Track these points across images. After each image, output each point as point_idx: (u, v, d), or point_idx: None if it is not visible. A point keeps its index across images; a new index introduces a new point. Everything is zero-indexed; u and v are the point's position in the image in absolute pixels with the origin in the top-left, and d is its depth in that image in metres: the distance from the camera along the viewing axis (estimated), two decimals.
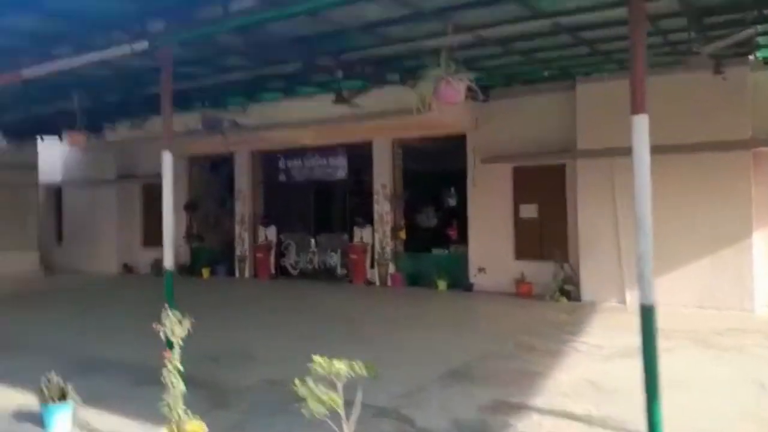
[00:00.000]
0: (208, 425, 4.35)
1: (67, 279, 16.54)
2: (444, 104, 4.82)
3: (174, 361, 4.14)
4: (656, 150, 4.49)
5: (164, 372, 4.17)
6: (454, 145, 12.85)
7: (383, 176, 13.64)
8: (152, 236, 17.53)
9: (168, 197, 5.96)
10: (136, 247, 17.93)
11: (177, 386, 4.09)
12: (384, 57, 8.98)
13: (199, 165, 17.21)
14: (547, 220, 11.78)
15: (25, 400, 5.31)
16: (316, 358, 3.46)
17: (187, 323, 4.27)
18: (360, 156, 14.17)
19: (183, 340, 4.28)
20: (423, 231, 13.34)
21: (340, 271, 14.44)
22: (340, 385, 3.36)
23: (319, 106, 11.58)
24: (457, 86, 6.00)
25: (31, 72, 7.65)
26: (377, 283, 13.60)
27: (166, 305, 4.35)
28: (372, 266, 13.76)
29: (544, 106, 11.61)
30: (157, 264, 16.65)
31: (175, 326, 4.20)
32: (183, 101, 11.62)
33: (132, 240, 17.93)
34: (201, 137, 12.89)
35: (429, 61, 7.63)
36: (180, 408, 4.06)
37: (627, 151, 10.78)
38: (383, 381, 5.73)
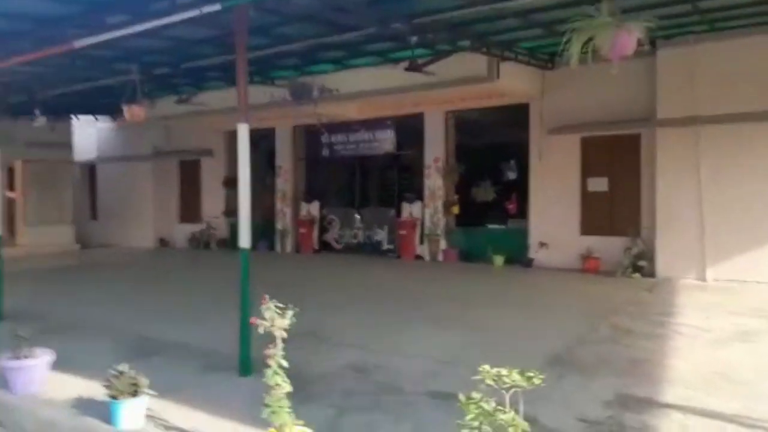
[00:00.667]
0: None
1: (104, 253, 16.28)
2: (619, 57, 4.09)
3: (277, 357, 3.57)
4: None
5: (266, 372, 3.60)
6: (515, 116, 12.10)
7: (435, 149, 12.94)
8: (189, 211, 17.21)
9: (245, 173, 5.39)
10: (172, 222, 17.56)
11: (282, 387, 3.51)
12: (457, 21, 8.23)
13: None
14: (618, 194, 11.03)
15: (88, 389, 4.81)
16: (484, 368, 2.88)
17: (290, 314, 3.68)
18: (409, 129, 13.48)
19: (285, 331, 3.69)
20: (478, 205, 12.64)
21: (386, 246, 13.87)
22: (507, 397, 2.77)
23: (381, 75, 10.90)
24: (632, 35, 5.19)
25: (84, 42, 7.10)
26: (427, 258, 13.00)
27: (266, 296, 3.74)
28: (422, 242, 13.15)
29: (618, 72, 10.70)
30: (195, 238, 16.34)
31: (276, 318, 3.61)
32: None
33: (168, 215, 17.55)
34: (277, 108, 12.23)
35: (573, 12, 6.87)
36: (286, 412, 3.49)
37: (714, 119, 9.97)
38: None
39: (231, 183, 16.27)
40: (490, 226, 12.56)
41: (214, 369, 5.51)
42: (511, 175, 12.24)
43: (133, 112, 9.98)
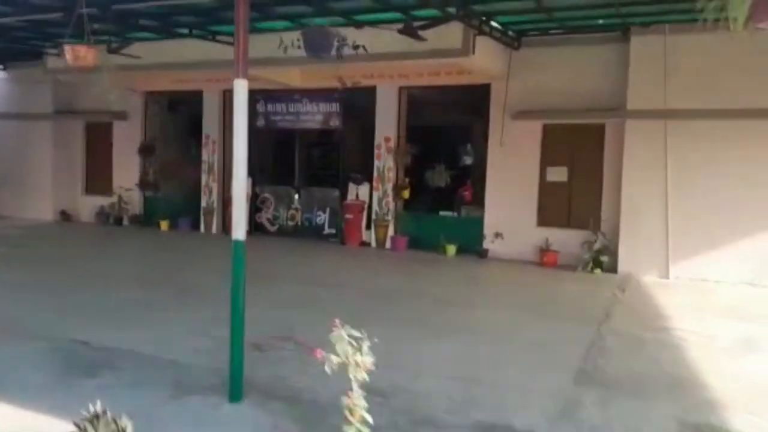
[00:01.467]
0: None
1: None
2: (763, 25, 3.34)
3: (358, 408, 2.60)
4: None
5: (345, 428, 2.63)
6: (474, 97, 11.49)
7: (387, 128, 12.05)
8: (96, 182, 15.30)
9: (241, 143, 4.25)
10: (76, 193, 15.49)
11: None
12: None
13: (157, 103, 14.86)
14: (577, 185, 10.71)
15: None
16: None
17: (366, 348, 2.71)
18: (359, 103, 12.48)
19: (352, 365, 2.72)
20: (431, 191, 11.95)
21: (327, 230, 12.89)
22: None
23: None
24: None
25: None
26: (374, 245, 12.18)
27: (337, 321, 2.76)
28: (368, 227, 12.30)
29: (587, 58, 10.36)
30: (103, 212, 14.52)
31: (354, 353, 2.64)
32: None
33: (72, 185, 15.44)
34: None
35: None
36: None
37: (686, 114, 9.57)
38: (513, 388, 4.50)
39: (148, 151, 14.59)
40: (443, 214, 11.91)
41: (189, 390, 4.42)
42: (467, 160, 11.65)
43: (77, 53, 7.74)
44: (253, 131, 13.77)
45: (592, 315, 7.07)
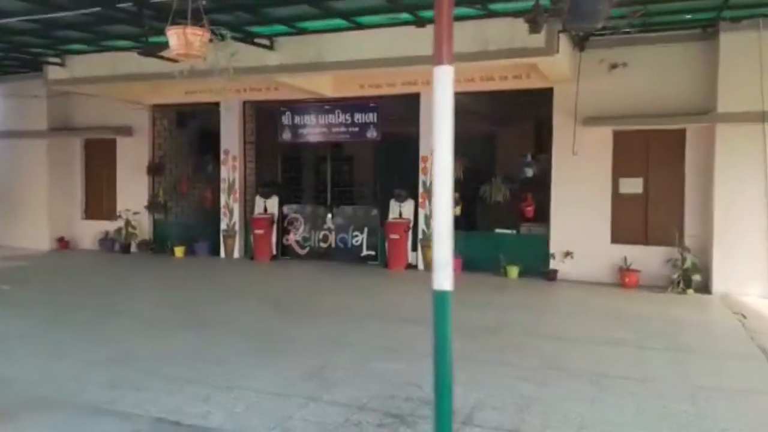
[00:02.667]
0: None
1: None
2: None
3: None
4: None
5: None
6: (534, 102, 10.47)
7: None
8: (98, 205, 13.89)
9: (445, 151, 3.08)
10: (75, 218, 14.01)
11: None
12: None
13: (165, 117, 13.51)
14: (655, 197, 9.75)
15: None
16: None
17: None
18: (399, 111, 11.38)
19: None
20: (486, 207, 10.86)
21: (365, 251, 11.68)
22: None
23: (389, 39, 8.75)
24: None
25: None
26: (421, 267, 11.02)
27: None
28: (414, 248, 11.14)
29: (663, 58, 9.45)
30: (107, 238, 13.12)
31: None
32: None
33: (70, 209, 13.96)
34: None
35: None
36: None
37: None
38: None
39: (157, 169, 13.23)
40: (500, 231, 10.81)
41: None
42: (528, 172, 10.58)
43: (191, 36, 5.69)
44: (277, 146, 12.59)
45: (750, 351, 6.01)
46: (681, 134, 9.54)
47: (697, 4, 8.04)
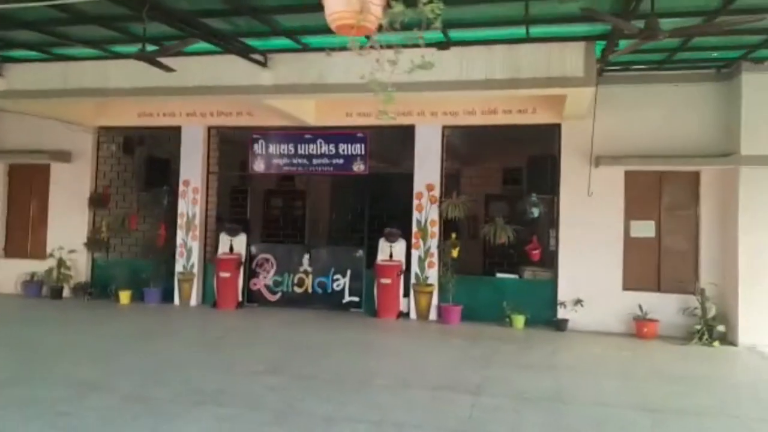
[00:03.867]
0: None
1: None
2: None
3: None
4: None
5: None
6: (537, 139, 9.84)
7: (429, 173, 10.01)
8: (22, 241, 11.87)
9: None
10: None
11: None
12: None
13: (113, 141, 11.81)
14: (669, 242, 9.25)
15: None
16: None
17: None
18: (390, 144, 10.42)
19: None
20: (487, 249, 9.98)
21: (348, 297, 10.46)
22: None
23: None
24: None
25: None
26: (412, 316, 9.93)
27: None
28: (406, 294, 10.04)
29: (676, 97, 9.10)
30: (34, 281, 11.17)
31: None
32: None
33: None
34: None
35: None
36: None
37: None
38: None
39: (101, 202, 11.45)
40: (502, 276, 9.94)
41: None
42: (534, 212, 9.81)
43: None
44: (246, 178, 11.23)
45: None
46: (695, 176, 9.15)
47: (726, 41, 7.67)
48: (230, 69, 8.36)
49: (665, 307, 8.98)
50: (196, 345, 7.98)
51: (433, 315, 9.89)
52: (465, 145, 10.38)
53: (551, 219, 9.70)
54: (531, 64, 7.37)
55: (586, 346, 8.39)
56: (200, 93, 8.61)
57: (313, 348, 7.69)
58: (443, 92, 7.82)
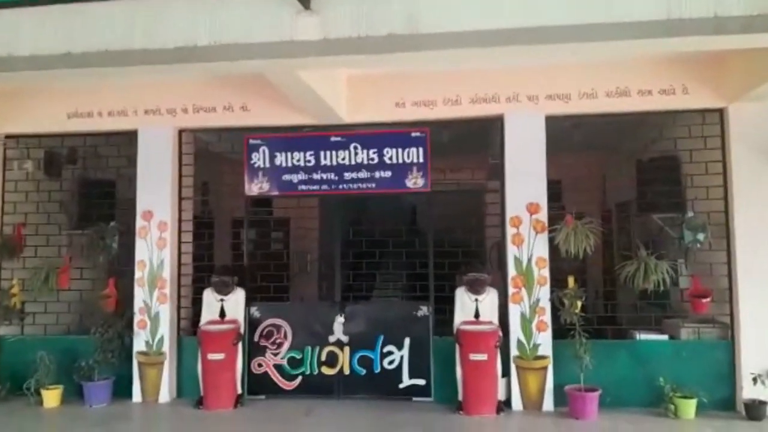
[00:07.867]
0: None
1: None
2: None
3: None
4: None
5: None
6: (681, 131, 6.71)
7: (529, 185, 6.64)
8: None
9: None
10: None
11: None
12: None
13: (28, 156, 7.83)
14: None
15: None
16: None
17: None
18: (462, 144, 7.03)
19: None
20: (620, 296, 6.68)
21: (408, 381, 6.89)
22: None
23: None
24: None
25: None
26: (518, 406, 6.49)
27: None
28: (504, 373, 6.55)
29: None
30: None
31: None
32: None
33: None
34: None
35: None
36: None
37: None
38: None
39: (10, 248, 7.47)
40: (645, 338, 6.63)
41: None
42: (693, 237, 6.51)
43: None
44: (240, 203, 7.25)
45: None
46: None
47: None
48: (242, 13, 4.78)
49: None
50: None
51: (548, 403, 6.46)
52: (576, 142, 7.13)
53: (722, 246, 6.51)
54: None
55: None
56: (187, 59, 4.93)
57: None
58: (645, 39, 4.43)
